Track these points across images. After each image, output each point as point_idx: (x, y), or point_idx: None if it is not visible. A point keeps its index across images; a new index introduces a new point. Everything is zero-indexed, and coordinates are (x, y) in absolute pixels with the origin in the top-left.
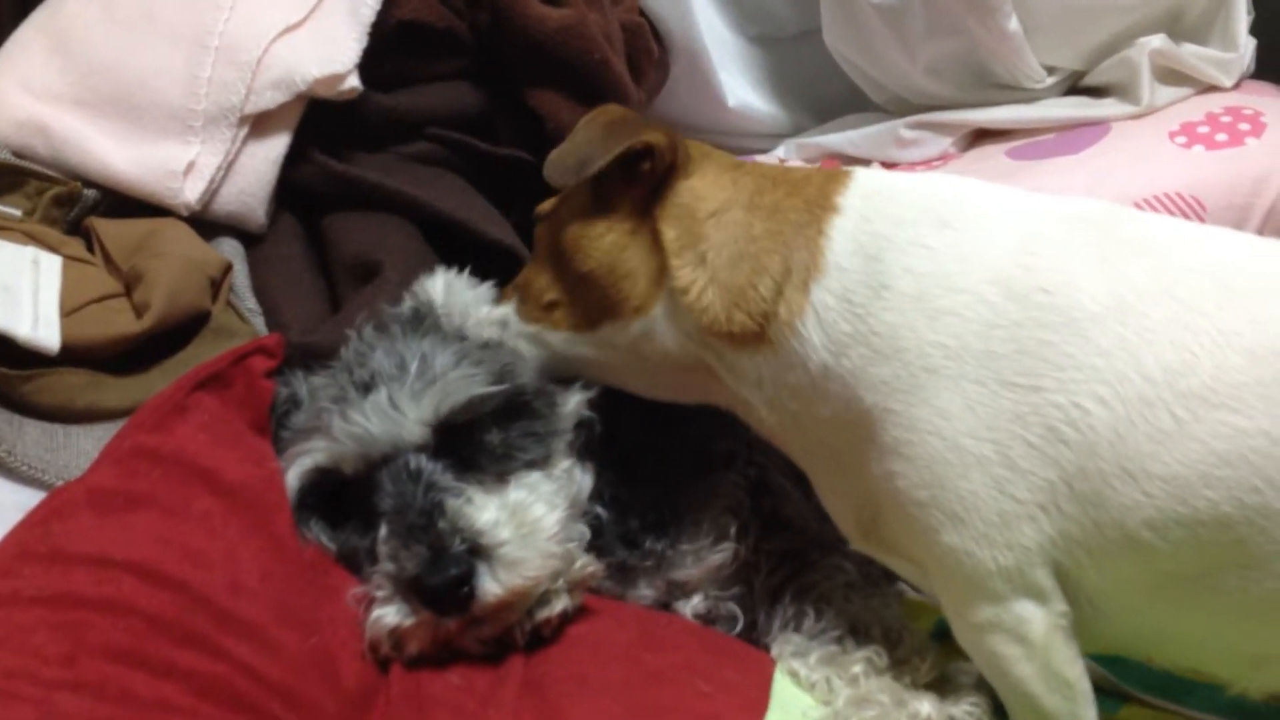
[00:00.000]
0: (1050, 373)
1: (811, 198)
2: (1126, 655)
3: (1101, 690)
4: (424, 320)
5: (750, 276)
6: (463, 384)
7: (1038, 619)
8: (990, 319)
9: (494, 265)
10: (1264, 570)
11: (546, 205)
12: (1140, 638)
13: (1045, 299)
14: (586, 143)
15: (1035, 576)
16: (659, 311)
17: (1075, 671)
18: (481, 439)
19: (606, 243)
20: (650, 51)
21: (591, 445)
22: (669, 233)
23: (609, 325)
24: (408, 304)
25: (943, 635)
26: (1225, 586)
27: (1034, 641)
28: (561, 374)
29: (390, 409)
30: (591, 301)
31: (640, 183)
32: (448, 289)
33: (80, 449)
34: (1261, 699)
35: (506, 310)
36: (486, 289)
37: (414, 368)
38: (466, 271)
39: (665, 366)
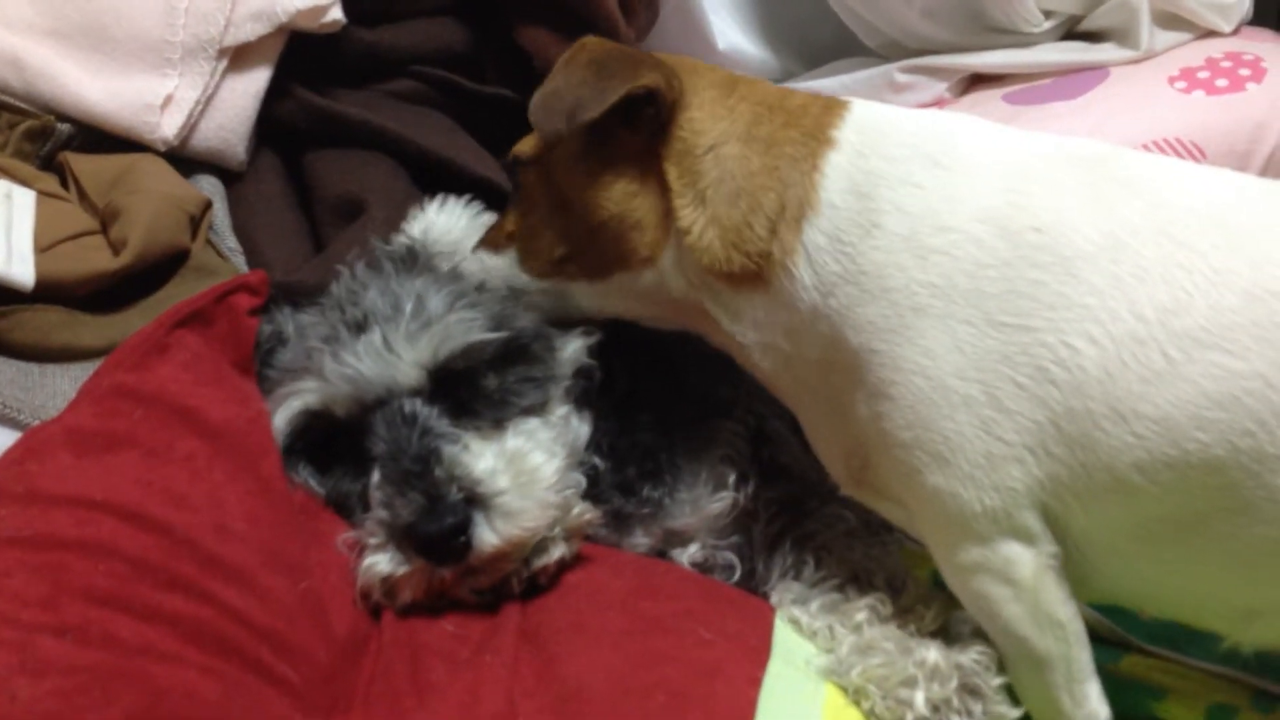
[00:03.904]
0: (1040, 312)
1: (808, 129)
2: (1119, 605)
3: (1104, 640)
4: (418, 259)
5: (746, 215)
6: (461, 328)
7: (1025, 560)
8: (980, 258)
9: (481, 205)
10: (1254, 516)
11: (526, 147)
12: (1131, 586)
13: (1036, 238)
14: (574, 85)
15: (1022, 518)
16: (667, 259)
17: (1067, 613)
18: (478, 384)
19: (616, 192)
20: None
21: (590, 393)
22: (672, 171)
23: (621, 274)
24: (401, 241)
25: (940, 585)
26: (1214, 533)
27: (1022, 582)
28: (559, 318)
29: (385, 350)
30: (603, 252)
31: (643, 127)
32: (440, 224)
33: (57, 388)
34: (1253, 653)
35: (506, 262)
36: (480, 222)
37: (409, 308)
38: (462, 201)
39: (670, 308)
